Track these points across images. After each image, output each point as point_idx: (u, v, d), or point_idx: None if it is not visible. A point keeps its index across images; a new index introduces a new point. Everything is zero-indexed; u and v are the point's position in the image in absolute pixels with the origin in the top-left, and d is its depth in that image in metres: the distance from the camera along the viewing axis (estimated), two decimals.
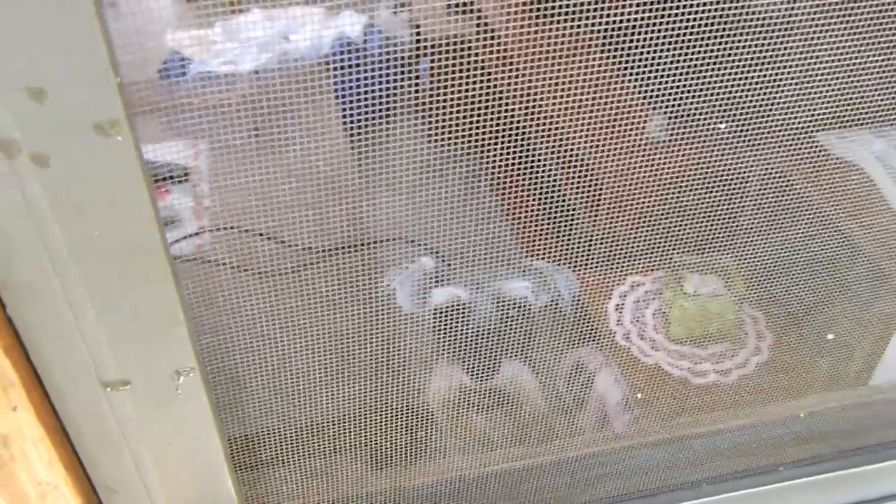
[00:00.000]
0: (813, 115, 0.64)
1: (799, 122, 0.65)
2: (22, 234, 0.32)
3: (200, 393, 0.38)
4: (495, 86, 0.57)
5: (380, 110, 0.61)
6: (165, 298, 0.35)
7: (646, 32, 0.51)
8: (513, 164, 0.65)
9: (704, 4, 0.49)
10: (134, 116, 0.31)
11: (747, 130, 0.69)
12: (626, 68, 0.58)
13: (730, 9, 0.50)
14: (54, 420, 0.37)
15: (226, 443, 0.41)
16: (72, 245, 0.33)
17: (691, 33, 0.51)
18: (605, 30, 0.50)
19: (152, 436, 0.39)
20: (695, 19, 0.50)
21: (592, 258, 0.77)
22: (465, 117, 0.56)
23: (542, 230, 0.77)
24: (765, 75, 0.59)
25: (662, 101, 0.62)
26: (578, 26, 0.51)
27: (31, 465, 0.35)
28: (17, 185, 0.31)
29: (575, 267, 0.81)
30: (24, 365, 0.34)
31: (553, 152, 0.77)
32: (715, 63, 0.55)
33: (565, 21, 0.53)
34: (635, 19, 0.50)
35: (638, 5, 0.49)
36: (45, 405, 0.36)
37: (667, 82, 0.57)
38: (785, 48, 0.57)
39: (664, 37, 0.51)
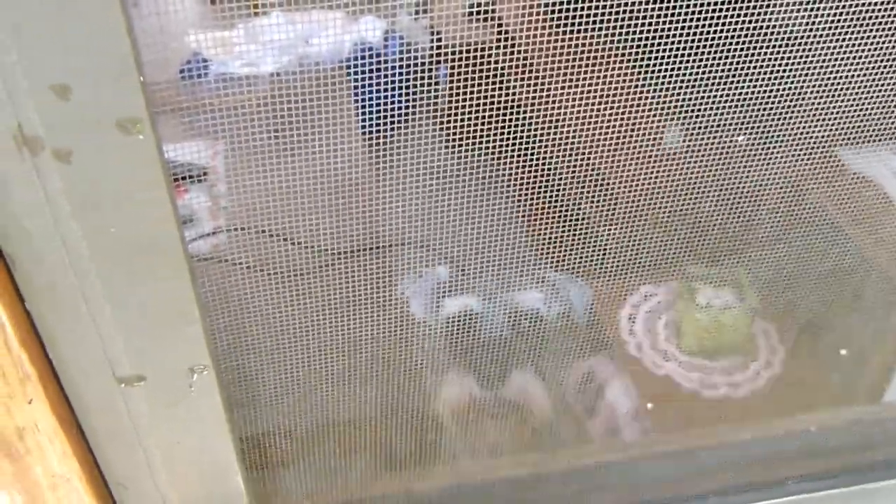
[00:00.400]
0: (830, 130, 0.63)
1: (816, 136, 0.65)
2: (41, 229, 0.32)
3: (214, 391, 0.38)
4: (513, 93, 0.57)
5: (398, 115, 0.61)
6: (181, 296, 0.35)
7: (664, 42, 0.51)
8: (528, 173, 0.65)
9: (723, 16, 0.49)
10: (156, 116, 0.31)
11: (763, 143, 0.68)
12: (643, 78, 0.58)
13: (749, 21, 0.50)
14: (69, 414, 0.37)
15: (237, 441, 0.41)
16: (90, 241, 0.33)
17: (709, 45, 0.51)
18: (624, 39, 0.50)
19: (164, 432, 0.39)
20: (713, 30, 0.50)
21: (606, 268, 0.77)
22: (481, 124, 0.56)
23: (556, 240, 0.77)
24: (782, 88, 0.59)
25: (679, 112, 0.62)
26: (597, 36, 0.51)
27: (45, 459, 0.35)
28: (38, 180, 0.31)
29: (588, 276, 0.81)
30: (41, 359, 0.35)
31: (569, 161, 0.77)
32: (732, 75, 0.55)
33: (584, 30, 0.53)
34: (653, 29, 0.50)
35: (656, 15, 0.49)
36: (61, 399, 0.36)
37: (684, 93, 0.57)
38: (803, 62, 0.57)
39: (682, 47, 0.51)
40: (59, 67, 0.29)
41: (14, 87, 0.29)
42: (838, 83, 0.58)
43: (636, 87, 0.63)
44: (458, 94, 0.55)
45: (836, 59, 0.55)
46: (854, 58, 0.55)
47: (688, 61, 0.52)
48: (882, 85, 0.58)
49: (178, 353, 0.36)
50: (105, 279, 0.34)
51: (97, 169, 0.31)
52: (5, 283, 0.32)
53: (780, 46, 0.55)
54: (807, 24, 0.54)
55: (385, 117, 0.62)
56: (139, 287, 0.34)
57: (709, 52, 0.51)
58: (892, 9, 0.51)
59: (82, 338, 0.35)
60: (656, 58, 0.52)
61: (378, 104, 0.61)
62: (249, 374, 0.46)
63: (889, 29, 0.53)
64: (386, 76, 0.61)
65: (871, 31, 0.53)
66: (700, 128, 0.64)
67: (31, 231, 0.32)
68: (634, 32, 0.50)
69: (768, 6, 0.53)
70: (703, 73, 0.54)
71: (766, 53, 0.55)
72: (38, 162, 0.31)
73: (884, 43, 0.54)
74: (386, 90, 0.61)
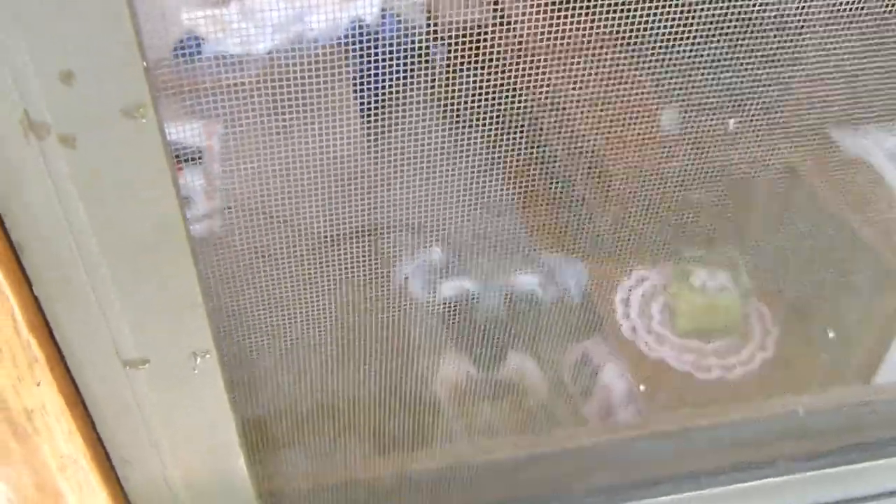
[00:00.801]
0: (823, 111, 0.64)
1: (809, 118, 0.66)
2: (48, 214, 0.33)
3: (216, 373, 0.39)
4: (509, 74, 0.58)
5: (394, 95, 0.61)
6: (185, 279, 0.36)
7: (661, 25, 0.51)
8: (525, 154, 0.66)
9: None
10: (158, 99, 0.32)
11: (758, 125, 0.69)
12: (640, 60, 0.59)
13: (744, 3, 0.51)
14: (75, 396, 0.38)
15: (239, 422, 0.42)
16: (96, 225, 0.34)
17: (705, 26, 0.51)
18: (621, 21, 0.51)
19: (168, 412, 0.41)
20: (707, 13, 0.50)
21: (601, 251, 0.78)
22: (478, 104, 0.57)
23: (552, 222, 0.78)
24: (776, 70, 0.60)
25: (676, 94, 0.63)
26: (595, 17, 0.52)
27: (53, 439, 0.37)
28: (44, 165, 0.32)
29: (584, 259, 0.82)
30: (48, 342, 0.36)
31: (565, 143, 0.77)
32: (727, 57, 0.55)
33: (582, 11, 0.53)
34: (651, 12, 0.50)
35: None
36: (67, 382, 0.37)
37: (680, 75, 0.58)
38: (798, 43, 0.58)
39: (678, 30, 0.51)
40: (64, 54, 0.30)
41: (21, 73, 0.30)
42: (830, 65, 0.59)
43: (632, 69, 0.64)
44: (455, 73, 0.55)
45: (826, 41, 0.56)
46: (844, 40, 0.56)
47: (683, 43, 0.53)
48: (872, 66, 0.59)
49: (182, 337, 0.37)
50: (111, 263, 0.34)
51: (102, 153, 0.32)
52: (14, 270, 0.33)
53: (774, 28, 0.56)
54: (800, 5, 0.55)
55: (381, 96, 0.62)
56: (144, 270, 0.35)
57: (703, 35, 0.52)
58: None
59: (88, 321, 0.36)
60: (652, 40, 0.53)
61: (374, 83, 0.62)
62: (251, 357, 0.47)
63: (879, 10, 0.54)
64: (383, 54, 0.61)
65: (863, 13, 0.54)
66: (695, 111, 0.65)
67: (38, 216, 0.33)
68: (630, 15, 0.50)
69: None
70: (698, 55, 0.54)
71: (759, 35, 0.55)
72: (45, 147, 0.31)
73: (875, 26, 0.55)
74: (383, 68, 0.61)
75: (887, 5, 0.53)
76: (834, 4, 0.53)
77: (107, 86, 0.31)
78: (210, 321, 0.37)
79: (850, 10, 0.53)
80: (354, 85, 0.61)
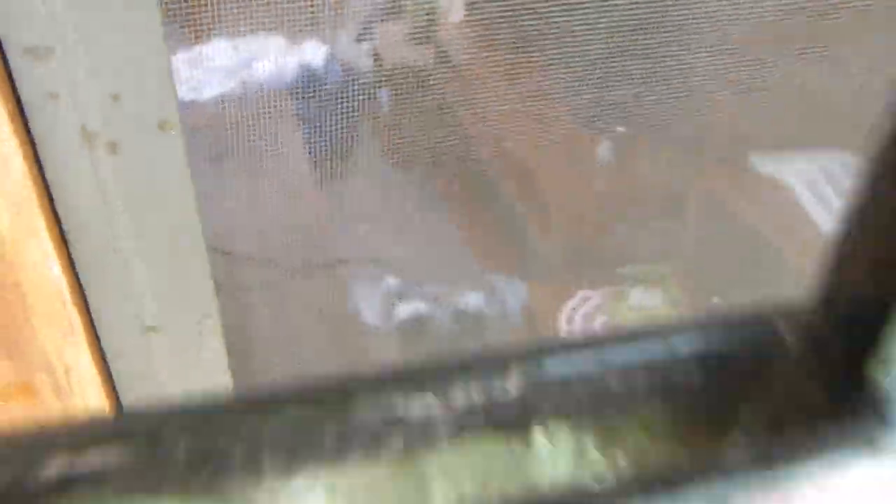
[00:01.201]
0: (746, 139, 0.79)
1: (733, 145, 0.80)
2: (92, 207, 0.45)
3: (218, 335, 0.51)
4: (451, 112, 0.71)
5: (341, 136, 0.73)
6: (197, 260, 0.49)
7: (590, 61, 0.65)
8: (469, 185, 0.79)
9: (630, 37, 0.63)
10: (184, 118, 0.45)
11: (687, 154, 0.84)
12: (573, 96, 0.72)
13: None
14: (101, 358, 0.50)
15: (235, 380, 0.54)
16: (130, 216, 0.46)
17: (634, 65, 0.65)
18: (555, 60, 0.64)
19: (177, 372, 0.52)
20: (639, 52, 0.64)
21: (544, 273, 0.92)
22: (422, 141, 0.69)
23: (497, 248, 0.91)
24: (698, 101, 0.73)
25: (609, 127, 0.77)
26: (529, 58, 0.65)
27: (86, 397, 0.48)
28: (92, 167, 0.45)
29: (528, 282, 0.96)
30: (85, 313, 0.48)
31: (507, 174, 0.91)
32: (655, 92, 0.69)
33: (518, 53, 0.66)
34: (581, 52, 0.64)
35: (582, 41, 0.63)
36: (96, 346, 0.49)
37: (610, 108, 0.71)
38: (720, 73, 0.71)
39: (611, 69, 0.65)
40: (115, 80, 0.43)
41: (81, 94, 0.43)
42: (755, 94, 0.72)
43: (567, 104, 0.77)
44: (398, 114, 0.68)
45: (750, 68, 0.70)
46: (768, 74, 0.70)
47: (613, 80, 0.66)
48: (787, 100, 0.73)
49: (192, 304, 0.50)
50: (140, 247, 0.47)
51: (139, 159, 0.45)
52: (64, 253, 0.45)
53: (703, 64, 0.69)
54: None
55: (329, 137, 0.74)
56: (167, 252, 0.48)
57: (634, 71, 0.65)
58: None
59: (118, 295, 0.48)
60: (584, 77, 0.66)
61: (322, 125, 0.73)
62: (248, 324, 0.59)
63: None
64: (329, 99, 0.73)
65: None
66: (628, 139, 0.79)
67: (85, 208, 0.45)
68: (564, 55, 0.64)
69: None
70: (628, 87, 0.68)
71: (682, 66, 0.69)
72: (94, 152, 0.44)
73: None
74: (329, 111, 0.73)
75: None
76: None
77: (146, 106, 0.44)
78: (215, 292, 0.50)
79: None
80: (303, 128, 0.72)
